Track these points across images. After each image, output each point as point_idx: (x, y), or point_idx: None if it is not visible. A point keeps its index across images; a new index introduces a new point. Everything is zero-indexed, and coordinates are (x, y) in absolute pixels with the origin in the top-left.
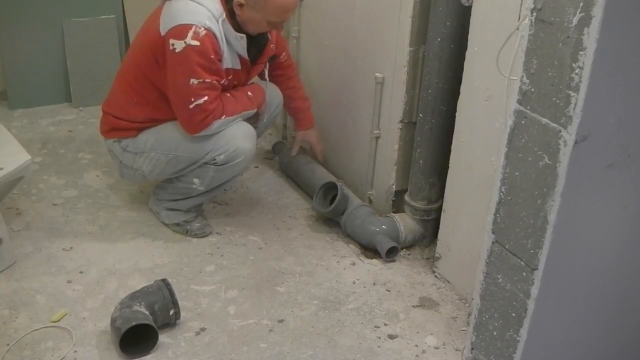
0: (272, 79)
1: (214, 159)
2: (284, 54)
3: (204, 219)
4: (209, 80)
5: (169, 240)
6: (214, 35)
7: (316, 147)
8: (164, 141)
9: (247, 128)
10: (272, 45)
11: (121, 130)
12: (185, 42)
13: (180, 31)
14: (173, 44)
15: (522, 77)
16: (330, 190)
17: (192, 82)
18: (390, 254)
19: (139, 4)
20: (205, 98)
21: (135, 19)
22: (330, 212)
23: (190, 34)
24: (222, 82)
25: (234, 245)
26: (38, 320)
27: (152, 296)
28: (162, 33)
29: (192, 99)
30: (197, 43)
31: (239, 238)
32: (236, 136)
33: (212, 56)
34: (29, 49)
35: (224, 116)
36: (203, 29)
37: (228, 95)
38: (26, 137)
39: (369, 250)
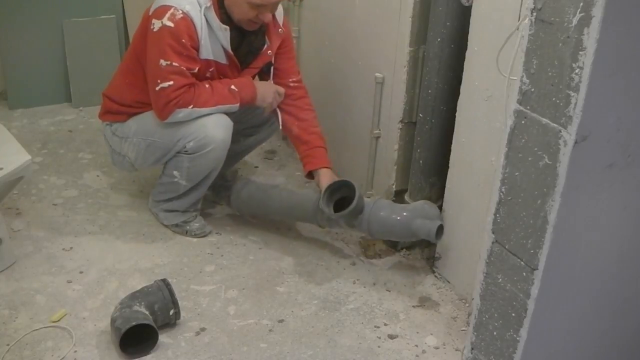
0: (281, 108)
1: (185, 147)
2: (294, 79)
3: (203, 219)
4: (176, 64)
5: (169, 240)
6: (191, 20)
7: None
8: (144, 126)
9: (221, 118)
10: (269, 52)
11: (113, 114)
12: (162, 22)
13: (161, 11)
14: (153, 23)
15: (522, 77)
16: (335, 193)
17: (161, 64)
18: (440, 234)
19: (139, 4)
20: (171, 83)
21: (135, 19)
22: (347, 213)
23: (168, 15)
24: (196, 71)
25: (234, 245)
26: (38, 320)
27: (152, 296)
28: (150, 13)
29: (159, 81)
30: (171, 24)
31: (239, 238)
32: (206, 124)
33: (184, 41)
34: (29, 49)
35: (191, 106)
36: (181, 12)
37: (206, 85)
38: (26, 137)
39: (369, 250)
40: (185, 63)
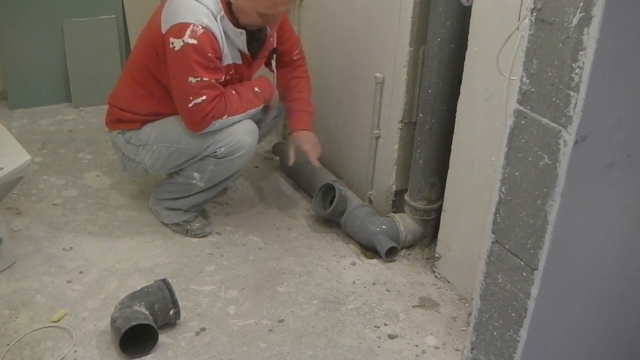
0: (279, 76)
1: (215, 152)
2: (296, 51)
3: (204, 219)
4: (207, 79)
5: (169, 240)
6: (212, 33)
7: (310, 152)
8: (167, 134)
9: (249, 123)
10: (271, 38)
11: (125, 122)
12: (183, 41)
13: (179, 29)
14: (173, 43)
15: (522, 77)
16: (329, 192)
17: (191, 81)
18: (390, 254)
19: (139, 4)
20: (204, 97)
21: (135, 19)
22: (329, 213)
23: (188, 32)
24: (222, 79)
25: (234, 245)
26: (38, 320)
27: (152, 296)
28: (163, 31)
29: (191, 98)
30: (194, 41)
31: (239, 238)
32: (238, 130)
33: (210, 54)
34: (29, 49)
35: (225, 116)
36: (201, 27)
37: (233, 92)
38: (26, 137)
39: (369, 250)
40: (213, 75)
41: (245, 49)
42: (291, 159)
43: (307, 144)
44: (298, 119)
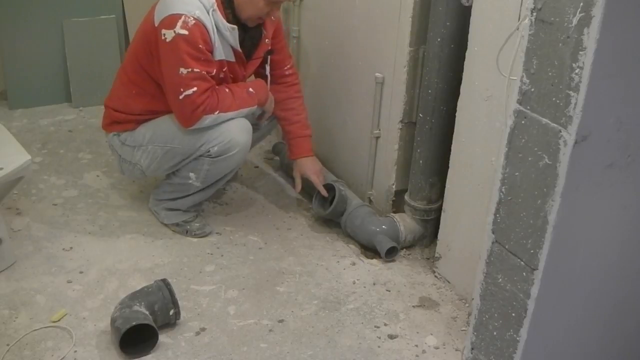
0: (272, 93)
1: (208, 151)
2: (288, 66)
3: (204, 219)
4: (197, 70)
5: (169, 240)
6: (204, 25)
7: (317, 182)
8: (161, 133)
9: (243, 122)
10: (267, 40)
11: (120, 124)
12: (174, 32)
13: (171, 21)
14: (164, 34)
15: (522, 77)
16: (329, 192)
17: (182, 72)
18: (390, 254)
19: (139, 4)
20: (195, 89)
21: (135, 19)
22: (329, 213)
23: (180, 23)
24: (214, 74)
25: (234, 245)
26: (38, 320)
27: (152, 296)
28: (156, 24)
29: (182, 90)
30: (185, 32)
31: (239, 238)
32: (231, 128)
33: (201, 46)
34: (29, 49)
35: (217, 111)
36: (192, 18)
37: (226, 90)
38: (26, 137)
39: (369, 250)
40: (204, 67)
41: (237, 46)
42: (298, 187)
43: (313, 174)
44: (300, 145)
